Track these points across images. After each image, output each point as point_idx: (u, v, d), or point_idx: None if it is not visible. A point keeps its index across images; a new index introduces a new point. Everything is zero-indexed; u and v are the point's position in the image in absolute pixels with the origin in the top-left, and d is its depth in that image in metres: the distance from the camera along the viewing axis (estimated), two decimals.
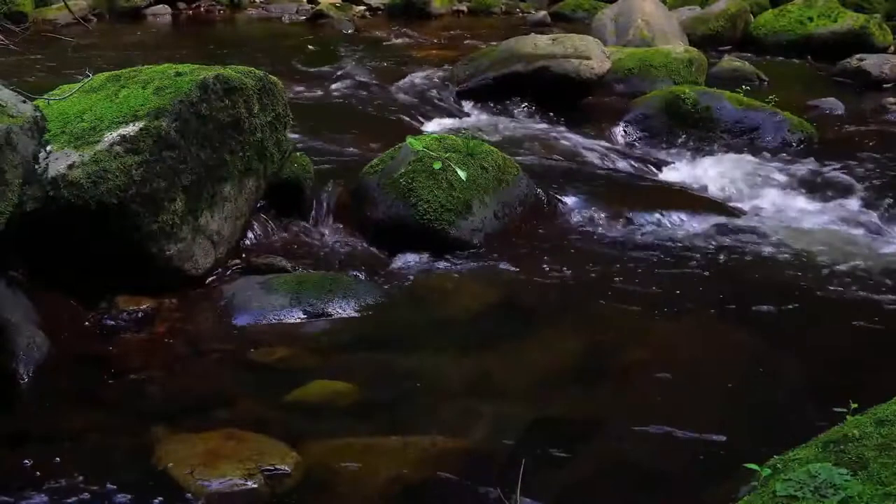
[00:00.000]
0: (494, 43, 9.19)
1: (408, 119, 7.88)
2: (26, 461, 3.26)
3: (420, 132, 7.24)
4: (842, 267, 5.11)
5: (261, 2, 15.43)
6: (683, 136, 7.60)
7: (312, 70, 9.85)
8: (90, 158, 4.21)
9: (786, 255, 5.30)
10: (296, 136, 5.63)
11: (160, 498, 3.10)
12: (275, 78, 5.13)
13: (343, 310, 4.50)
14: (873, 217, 5.97)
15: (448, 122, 7.82)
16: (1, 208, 3.55)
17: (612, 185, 6.51)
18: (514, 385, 3.96)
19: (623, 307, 4.66)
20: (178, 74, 4.64)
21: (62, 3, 12.20)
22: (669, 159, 7.23)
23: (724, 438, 3.48)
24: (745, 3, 12.53)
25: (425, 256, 5.14)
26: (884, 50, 11.25)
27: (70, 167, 4.18)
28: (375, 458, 3.34)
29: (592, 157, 7.07)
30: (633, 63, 8.91)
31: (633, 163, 7.06)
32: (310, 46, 11.71)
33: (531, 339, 4.37)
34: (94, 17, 13.22)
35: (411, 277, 4.95)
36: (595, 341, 4.37)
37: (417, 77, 9.12)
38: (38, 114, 3.87)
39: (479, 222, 5.37)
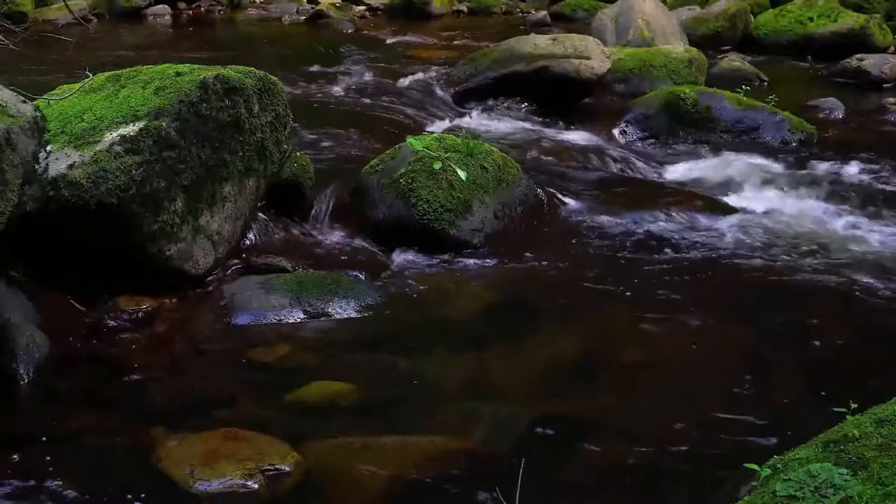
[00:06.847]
0: (494, 43, 9.18)
1: (408, 119, 7.87)
2: (26, 461, 3.26)
3: (420, 132, 7.23)
4: (842, 267, 5.11)
5: (261, 2, 15.41)
6: (683, 135, 7.60)
7: (312, 70, 9.84)
8: (90, 158, 4.21)
9: (785, 255, 5.29)
10: (296, 136, 5.62)
11: (160, 498, 3.10)
12: (275, 78, 5.13)
13: (343, 310, 4.50)
14: (873, 217, 5.96)
15: (448, 122, 7.82)
16: (1, 208, 3.55)
17: (611, 184, 6.51)
18: (514, 385, 3.96)
19: (623, 307, 4.66)
20: (178, 74, 4.63)
21: (62, 3, 12.20)
22: (669, 159, 7.23)
23: (724, 438, 3.48)
24: (745, 3, 12.52)
25: (425, 256, 5.14)
26: (884, 50, 11.24)
27: (70, 167, 4.18)
28: (375, 458, 3.35)
29: (592, 157, 7.06)
30: (633, 63, 8.91)
31: (632, 163, 7.06)
32: (310, 46, 11.70)
33: (531, 339, 4.36)
34: (94, 17, 13.20)
35: (411, 278, 4.95)
36: (595, 341, 4.38)
37: (417, 77, 9.12)
38: (38, 114, 3.87)
39: (479, 222, 5.37)
